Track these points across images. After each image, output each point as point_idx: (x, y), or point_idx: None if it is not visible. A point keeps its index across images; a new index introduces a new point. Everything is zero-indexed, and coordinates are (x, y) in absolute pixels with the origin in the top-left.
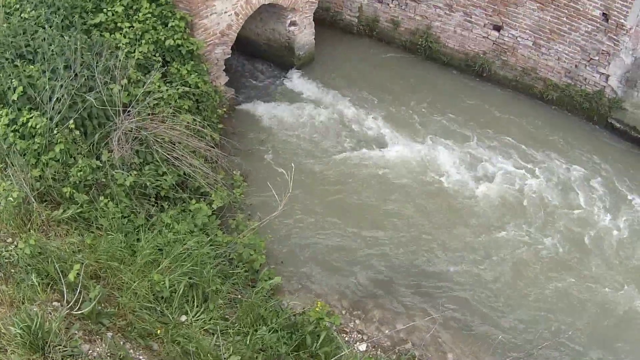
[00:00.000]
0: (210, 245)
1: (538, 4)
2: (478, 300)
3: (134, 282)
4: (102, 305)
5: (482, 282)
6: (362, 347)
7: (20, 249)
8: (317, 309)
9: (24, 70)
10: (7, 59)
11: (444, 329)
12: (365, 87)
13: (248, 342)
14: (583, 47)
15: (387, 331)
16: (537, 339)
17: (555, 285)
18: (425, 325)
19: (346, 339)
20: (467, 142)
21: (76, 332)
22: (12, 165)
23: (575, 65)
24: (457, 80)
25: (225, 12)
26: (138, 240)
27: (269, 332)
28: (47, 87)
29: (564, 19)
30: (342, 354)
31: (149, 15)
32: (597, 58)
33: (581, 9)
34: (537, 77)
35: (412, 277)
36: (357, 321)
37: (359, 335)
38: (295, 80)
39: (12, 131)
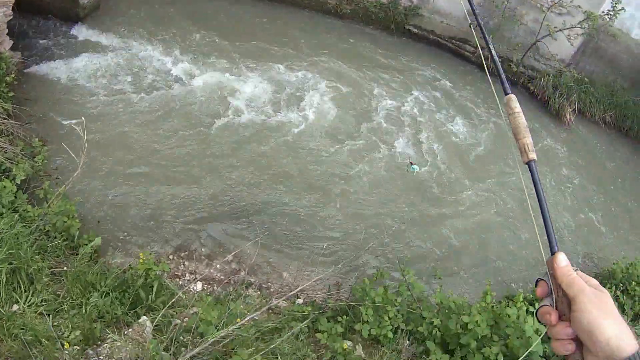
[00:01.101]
0: (22, 222)
1: None
2: (295, 219)
3: None
4: None
5: (295, 201)
6: (198, 286)
7: None
8: (142, 260)
9: None
10: None
11: (270, 252)
12: (154, 27)
13: (84, 312)
14: None
15: (217, 265)
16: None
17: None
18: (252, 249)
19: (180, 282)
20: (272, 65)
21: None
22: None
23: None
24: (246, 5)
25: None
26: None
27: (102, 296)
28: None
29: None
30: (176, 297)
31: None
32: None
33: None
34: None
35: (227, 207)
36: (186, 263)
37: (192, 276)
38: (84, 32)
39: None
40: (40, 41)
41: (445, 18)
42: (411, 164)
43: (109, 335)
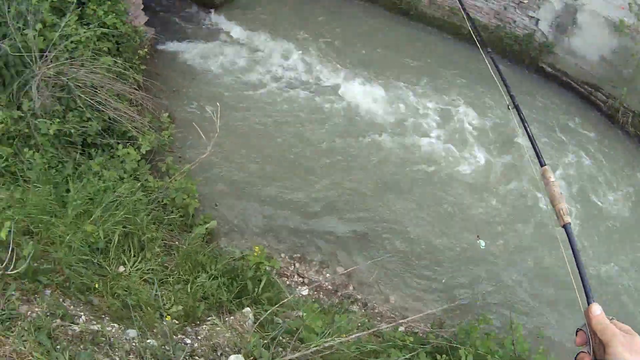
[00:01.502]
0: (142, 191)
1: None
2: (419, 244)
3: (67, 235)
4: (38, 262)
5: (423, 226)
6: (304, 291)
7: None
8: (256, 254)
9: None
10: None
11: (385, 273)
12: (290, 26)
13: (189, 290)
14: None
15: (327, 274)
16: (482, 284)
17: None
18: (367, 269)
19: (287, 282)
20: (392, 80)
21: (13, 293)
22: None
23: (504, 7)
24: (384, 17)
25: None
26: (67, 191)
27: (209, 279)
28: None
29: None
30: (287, 299)
31: None
32: (526, 1)
33: None
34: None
35: (351, 220)
36: (297, 264)
37: (300, 279)
38: (218, 19)
39: None
40: (175, 21)
41: (580, 60)
42: (478, 237)
43: (210, 318)
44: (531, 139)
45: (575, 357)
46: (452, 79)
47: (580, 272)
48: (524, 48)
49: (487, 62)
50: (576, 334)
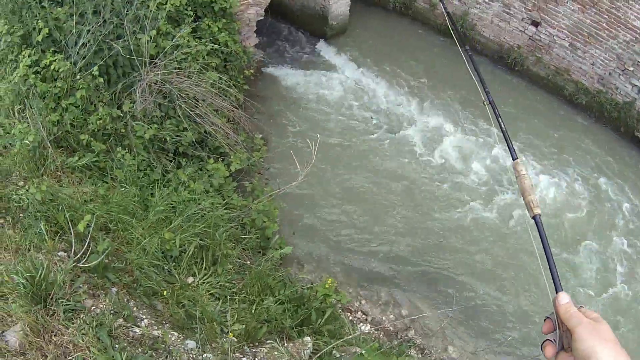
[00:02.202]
0: (225, 208)
1: (579, 6)
2: (488, 297)
3: (144, 238)
4: (110, 258)
5: (494, 279)
6: (365, 328)
7: (31, 193)
8: (327, 285)
9: (51, 12)
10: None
11: (450, 322)
12: (396, 66)
13: (253, 311)
14: (619, 56)
15: (391, 316)
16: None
17: None
18: (434, 316)
19: (350, 318)
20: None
21: (81, 285)
22: (31, 107)
23: (609, 73)
24: (489, 70)
25: None
26: (152, 195)
27: (275, 303)
28: (74, 31)
29: (604, 24)
30: (350, 337)
31: None
32: (631, 69)
33: (622, 17)
34: (569, 79)
35: (425, 267)
36: (363, 301)
37: (363, 316)
38: (325, 50)
39: (33, 73)
40: (283, 47)
41: None
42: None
43: (269, 342)
44: (504, 134)
45: (541, 345)
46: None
47: (549, 262)
48: (622, 115)
49: (464, 59)
50: (544, 322)
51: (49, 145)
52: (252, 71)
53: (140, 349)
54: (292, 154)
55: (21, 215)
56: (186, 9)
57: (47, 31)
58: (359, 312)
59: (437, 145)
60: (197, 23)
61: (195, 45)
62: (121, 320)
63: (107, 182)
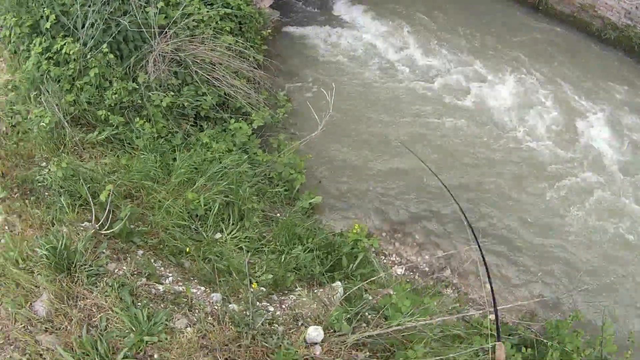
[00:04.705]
0: (249, 163)
1: None
2: (526, 233)
3: (167, 200)
4: (135, 224)
5: (533, 216)
6: (400, 270)
7: (53, 171)
8: (355, 231)
9: None
10: None
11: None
12: (414, 18)
13: (282, 260)
14: None
15: (427, 257)
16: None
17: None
18: (467, 253)
19: (385, 261)
20: (520, 75)
21: (104, 251)
22: (47, 92)
23: (636, 7)
24: (511, 13)
25: None
26: (174, 160)
27: (304, 251)
28: (80, 13)
29: None
30: (377, 277)
31: None
32: None
33: None
34: (595, 14)
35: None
36: (397, 244)
37: (398, 259)
38: (344, 6)
39: (46, 59)
40: (301, 6)
41: None
42: None
43: (298, 289)
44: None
45: None
46: None
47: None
48: None
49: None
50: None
51: (67, 124)
52: (269, 31)
53: (162, 305)
54: (308, 105)
55: (46, 194)
56: None
57: (55, 17)
58: (394, 255)
59: (467, 93)
60: None
61: (207, 12)
62: (144, 279)
63: (129, 152)
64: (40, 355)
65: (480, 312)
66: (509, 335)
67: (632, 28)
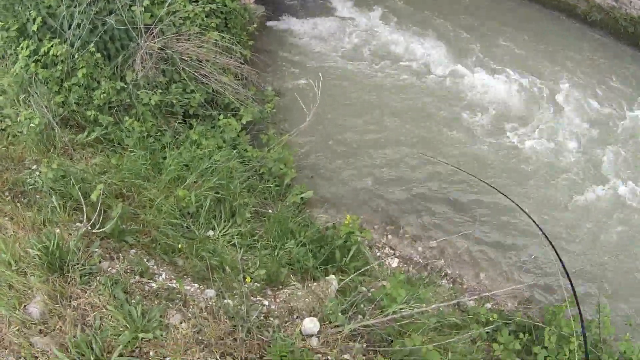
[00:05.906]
0: (239, 159)
1: None
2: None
3: (158, 198)
4: (127, 223)
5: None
6: (394, 262)
7: (43, 173)
8: (347, 223)
9: (43, 1)
10: None
11: (479, 248)
12: (396, 8)
13: (275, 255)
14: None
15: (419, 248)
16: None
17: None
18: (461, 242)
19: (378, 254)
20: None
21: (96, 250)
22: (35, 94)
23: None
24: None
25: None
26: (165, 158)
27: (297, 245)
28: (66, 14)
29: None
30: (368, 267)
31: None
32: None
33: None
34: None
35: (451, 195)
36: (390, 236)
37: (391, 251)
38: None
39: (33, 61)
40: (285, 0)
41: None
42: None
43: (292, 283)
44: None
45: None
46: None
47: None
48: (639, 30)
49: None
50: None
51: (56, 125)
52: (255, 27)
53: (156, 302)
54: (297, 97)
55: (37, 196)
56: None
57: (41, 20)
58: (387, 248)
59: (469, 86)
60: None
61: (193, 9)
62: (137, 277)
63: (119, 152)
64: (36, 357)
65: (475, 297)
66: (506, 322)
67: (617, 9)
